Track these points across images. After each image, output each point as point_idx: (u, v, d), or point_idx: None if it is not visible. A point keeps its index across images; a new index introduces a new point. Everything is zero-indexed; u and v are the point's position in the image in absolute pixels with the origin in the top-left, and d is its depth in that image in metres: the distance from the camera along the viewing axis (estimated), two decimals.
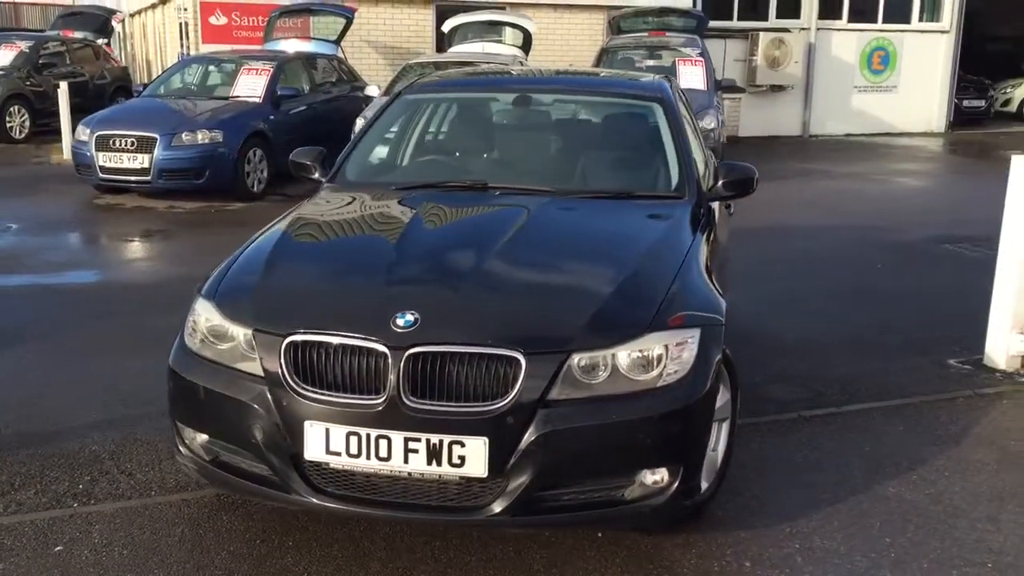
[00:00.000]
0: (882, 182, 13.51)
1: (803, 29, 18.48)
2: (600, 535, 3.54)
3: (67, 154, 12.75)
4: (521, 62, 12.91)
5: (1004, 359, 5.36)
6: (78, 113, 13.19)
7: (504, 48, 13.92)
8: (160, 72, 16.06)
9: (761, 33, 17.80)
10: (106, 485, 3.89)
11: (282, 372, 3.16)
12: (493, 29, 14.50)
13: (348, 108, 13.14)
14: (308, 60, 13.07)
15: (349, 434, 3.09)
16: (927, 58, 19.68)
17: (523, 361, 3.05)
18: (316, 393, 3.13)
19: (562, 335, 3.16)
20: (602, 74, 6.32)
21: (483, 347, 3.08)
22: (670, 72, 12.77)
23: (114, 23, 21.62)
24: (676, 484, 3.20)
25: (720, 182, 4.40)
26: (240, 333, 3.30)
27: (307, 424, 3.12)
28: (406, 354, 3.06)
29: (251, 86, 11.57)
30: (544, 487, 3.09)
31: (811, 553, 3.48)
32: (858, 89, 19.31)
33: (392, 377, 3.06)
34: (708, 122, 11.28)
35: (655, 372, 3.16)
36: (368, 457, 3.09)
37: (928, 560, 3.46)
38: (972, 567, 3.42)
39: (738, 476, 3.92)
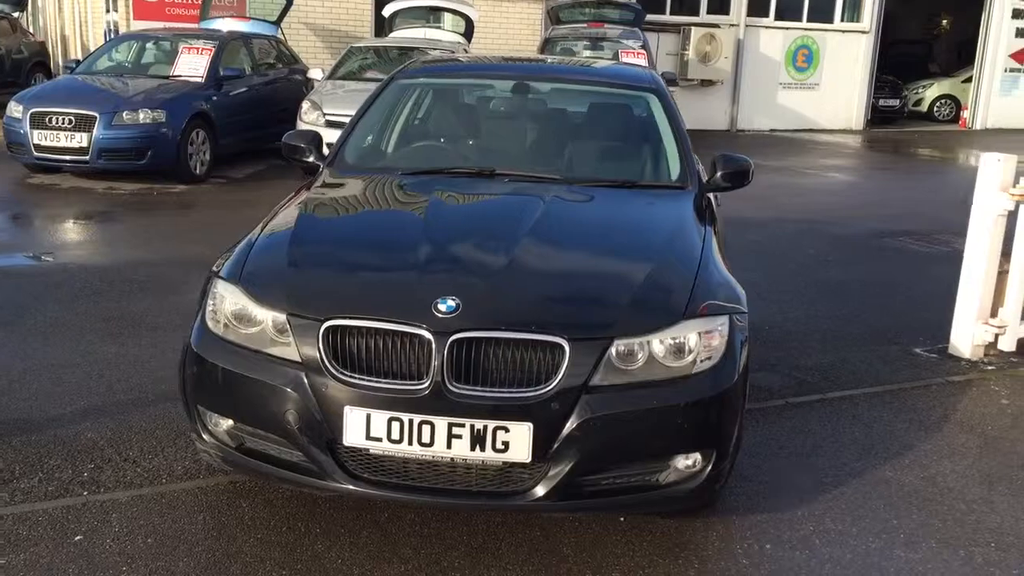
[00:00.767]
0: (814, 176, 13.89)
1: (732, 25, 18.86)
2: (622, 520, 3.59)
3: None
4: (465, 49, 12.88)
5: (969, 348, 5.59)
6: None
7: (446, 35, 13.88)
8: (82, 49, 15.54)
9: (693, 28, 18.11)
10: (112, 473, 3.79)
11: (320, 357, 3.12)
12: (434, 15, 14.43)
13: (290, 91, 12.97)
14: (247, 41, 12.80)
15: (391, 420, 3.07)
16: (847, 57, 20.29)
17: (567, 347, 3.07)
18: (356, 379, 3.10)
19: (604, 321, 3.20)
20: (595, 64, 6.34)
21: (527, 333, 3.09)
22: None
23: None
24: (709, 468, 3.27)
25: (719, 173, 4.48)
26: (269, 317, 3.25)
27: (347, 410, 3.09)
28: (450, 340, 3.06)
29: (193, 65, 11.29)
30: (585, 472, 3.13)
31: (826, 535, 3.60)
32: (783, 86, 19.80)
33: (436, 363, 3.05)
34: None
35: (688, 359, 3.22)
36: (410, 443, 3.07)
37: (936, 540, 3.60)
38: (977, 547, 3.57)
39: (745, 462, 4.02)
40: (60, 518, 3.42)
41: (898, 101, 22.71)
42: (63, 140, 10.04)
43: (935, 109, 23.77)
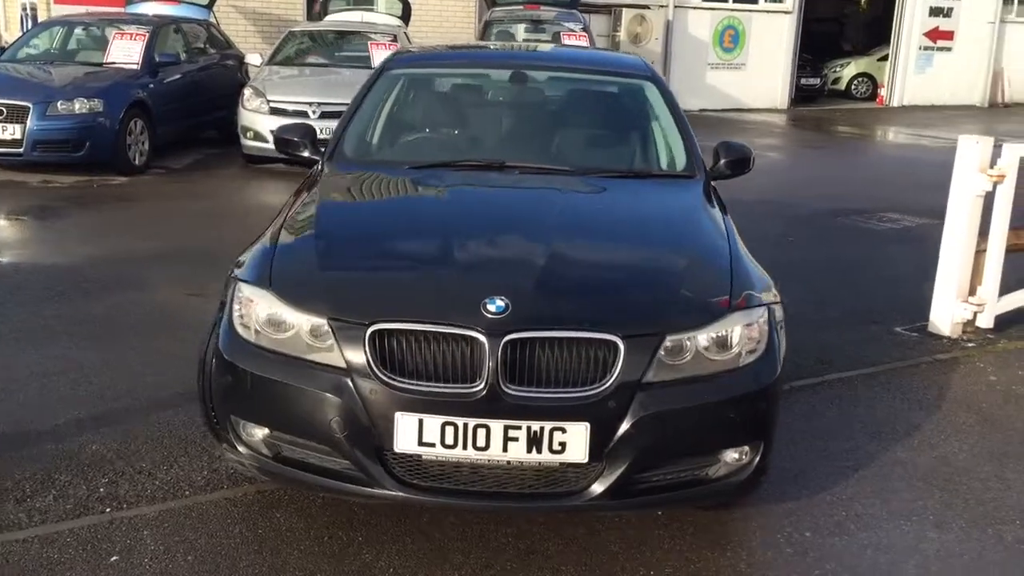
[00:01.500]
0: None
1: (661, 6, 18.98)
2: (659, 514, 3.58)
3: None
4: (406, 33, 12.69)
5: (949, 326, 5.73)
6: None
7: (384, 18, 13.67)
8: None
9: (624, 9, 18.17)
10: (129, 487, 3.62)
11: (368, 362, 3.02)
12: None
13: (226, 77, 12.63)
14: (179, 25, 12.38)
15: (445, 424, 2.99)
16: (772, 37, 20.64)
17: (621, 345, 3.03)
18: (407, 383, 3.01)
19: (655, 318, 3.17)
20: (587, 51, 6.28)
21: (580, 331, 3.05)
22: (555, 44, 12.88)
23: None
24: (757, 460, 3.28)
25: (722, 161, 4.50)
26: (306, 322, 3.13)
27: (398, 415, 3.00)
28: (503, 341, 2.99)
29: (126, 51, 10.88)
30: (640, 470, 3.10)
31: (860, 520, 3.64)
32: (711, 66, 20.04)
33: (490, 364, 2.98)
34: None
35: (732, 352, 3.21)
36: (465, 447, 3.00)
37: (963, 520, 3.68)
38: (1004, 524, 3.66)
39: None
40: (89, 538, 3.26)
41: (819, 80, 23.21)
42: None
43: (853, 87, 24.35)
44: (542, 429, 2.99)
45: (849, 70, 24.53)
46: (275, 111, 10.51)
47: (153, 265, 6.72)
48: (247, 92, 10.82)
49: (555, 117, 4.87)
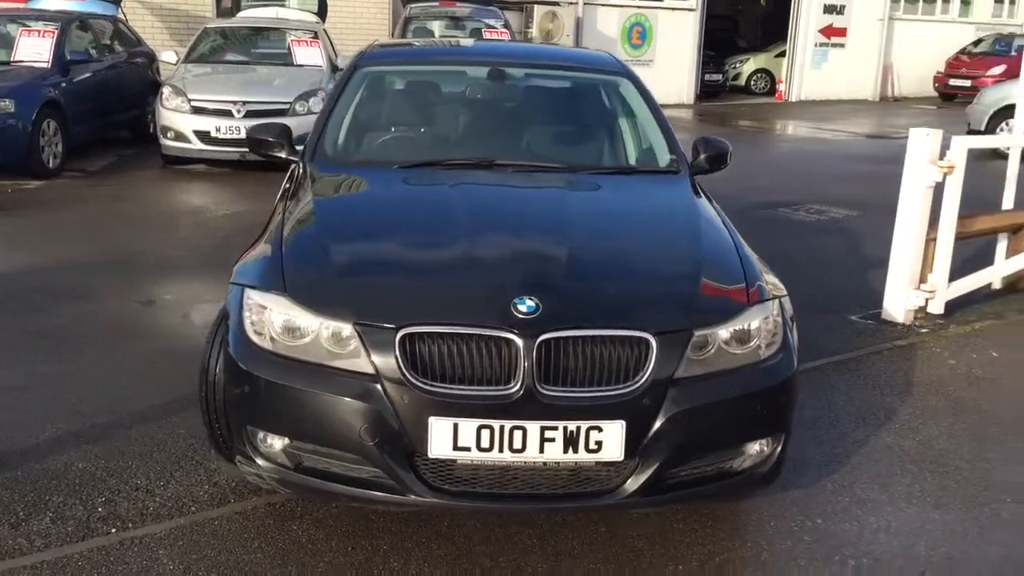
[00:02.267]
0: None
1: (571, 3, 19.11)
2: (676, 508, 3.60)
3: None
4: (325, 30, 12.46)
5: (902, 313, 5.93)
6: None
7: (299, 14, 13.39)
8: None
9: (536, 6, 18.23)
10: (130, 506, 3.46)
11: (399, 367, 2.95)
12: None
13: (137, 74, 12.21)
14: (87, 21, 11.88)
15: (481, 427, 2.94)
16: (678, 34, 20.98)
17: (653, 342, 3.03)
18: (440, 387, 2.95)
19: (682, 313, 3.18)
20: (559, 48, 6.25)
21: (614, 330, 3.04)
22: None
23: None
24: (778, 451, 3.33)
25: (702, 156, 4.56)
26: (327, 327, 3.04)
27: (432, 420, 2.94)
28: (538, 341, 2.96)
29: (35, 49, 10.37)
30: (672, 465, 3.10)
31: (864, 505, 3.73)
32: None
33: (525, 365, 2.94)
34: None
35: (751, 345, 3.24)
36: (501, 450, 2.96)
37: (959, 501, 3.81)
38: (997, 503, 3.80)
39: None
40: (102, 561, 3.10)
41: (721, 76, 23.71)
42: None
43: (752, 83, 24.92)
44: (578, 429, 2.97)
45: (748, 66, 25.11)
46: (197, 110, 10.21)
47: (95, 273, 6.44)
48: (166, 91, 10.46)
49: (538, 114, 4.85)
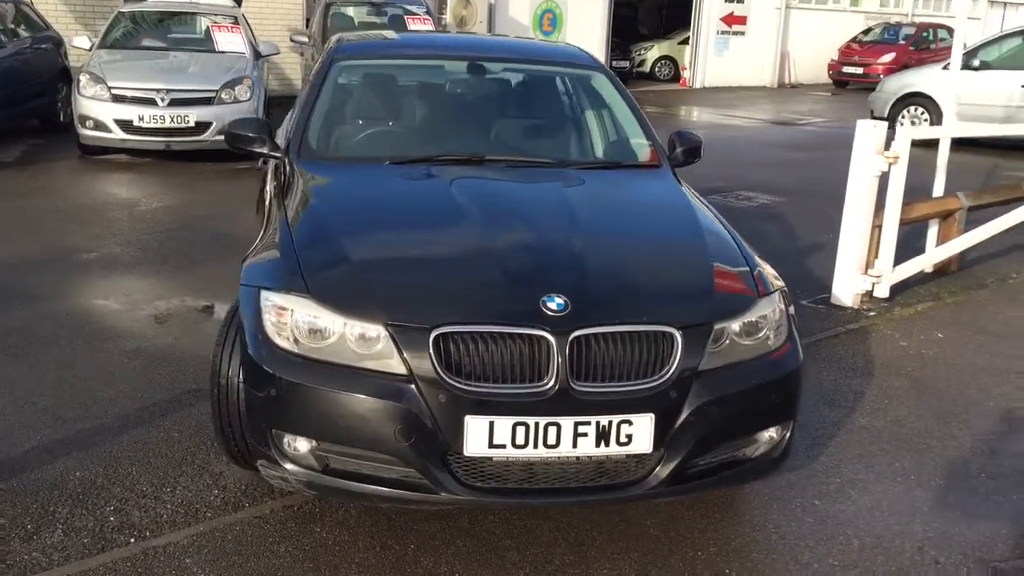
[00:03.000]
0: None
1: None
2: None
3: None
4: (244, 15, 12.16)
5: (851, 298, 6.18)
6: None
7: None
8: None
9: None
10: (142, 514, 3.38)
11: (434, 367, 2.97)
12: None
13: (45, 60, 11.74)
14: None
15: (516, 425, 2.98)
16: (587, 20, 21.19)
17: (678, 335, 3.12)
18: (475, 386, 2.98)
19: (703, 307, 3.27)
20: (532, 42, 6.24)
21: (642, 325, 3.11)
22: (399, 27, 12.73)
23: None
24: (787, 436, 3.46)
25: (678, 149, 4.66)
26: (354, 328, 3.04)
27: (468, 419, 2.97)
28: (570, 338, 3.01)
29: None
30: (696, 455, 3.20)
31: (854, 485, 3.91)
32: None
33: (558, 362, 3.00)
34: None
35: (760, 336, 3.36)
36: (536, 446, 3.01)
37: (939, 477, 4.02)
38: (971, 478, 4.03)
39: None
40: (129, 572, 3.02)
41: (628, 63, 24.05)
42: None
43: (657, 69, 25.35)
44: (610, 423, 3.03)
45: (653, 53, 25.51)
46: (117, 98, 9.87)
47: (39, 272, 6.20)
48: (83, 78, 10.07)
49: (520, 109, 4.88)
